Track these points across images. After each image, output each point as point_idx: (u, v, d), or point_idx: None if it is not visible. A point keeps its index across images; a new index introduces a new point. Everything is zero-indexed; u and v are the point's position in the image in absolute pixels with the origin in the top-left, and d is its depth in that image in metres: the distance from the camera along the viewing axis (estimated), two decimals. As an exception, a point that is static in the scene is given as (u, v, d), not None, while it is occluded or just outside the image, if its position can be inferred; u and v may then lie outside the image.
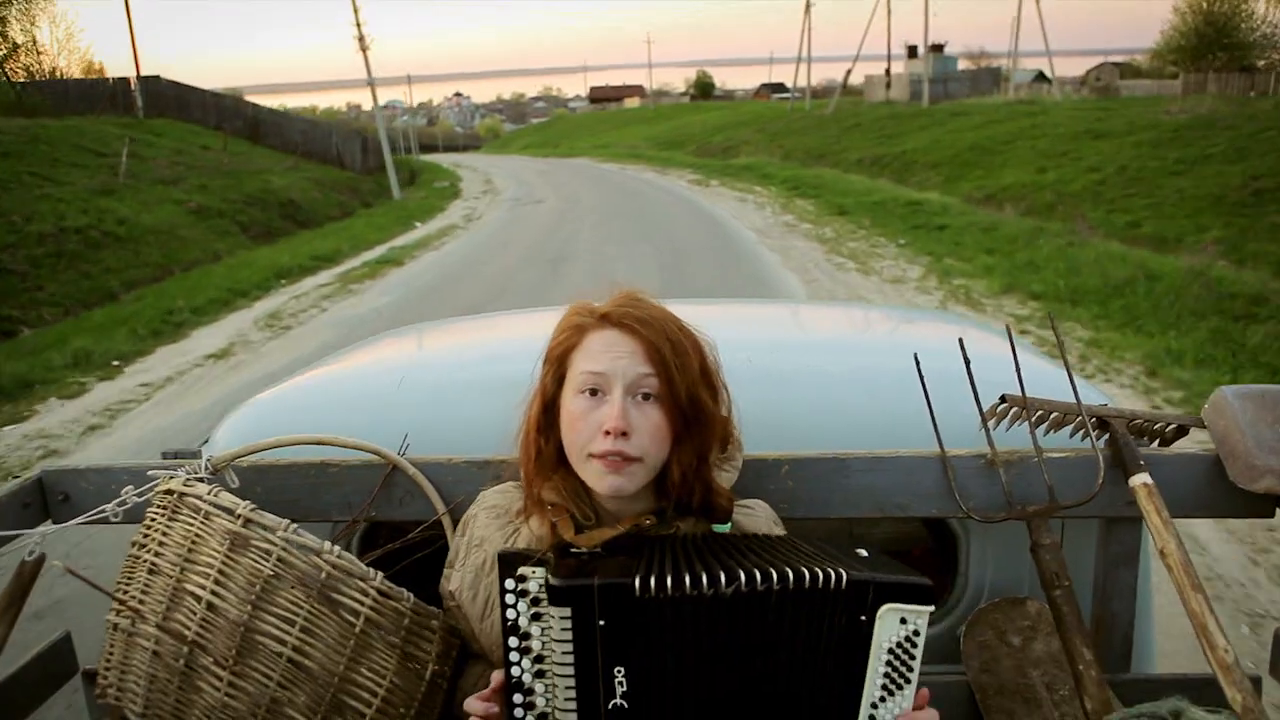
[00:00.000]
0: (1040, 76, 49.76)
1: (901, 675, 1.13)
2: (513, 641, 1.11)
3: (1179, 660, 2.77)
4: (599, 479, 1.25)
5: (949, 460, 1.58)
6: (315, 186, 23.19)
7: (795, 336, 2.35)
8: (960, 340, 1.59)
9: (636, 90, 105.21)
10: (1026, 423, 1.60)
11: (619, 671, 1.08)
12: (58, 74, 30.57)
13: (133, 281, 12.98)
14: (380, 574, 1.35)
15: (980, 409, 1.58)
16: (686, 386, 1.25)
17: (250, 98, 33.67)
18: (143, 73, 28.51)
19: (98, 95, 26.76)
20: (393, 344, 2.37)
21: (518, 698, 1.11)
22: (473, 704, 1.20)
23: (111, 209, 15.02)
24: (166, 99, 27.36)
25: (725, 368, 1.35)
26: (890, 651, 1.12)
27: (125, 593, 1.37)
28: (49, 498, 1.69)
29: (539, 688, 1.11)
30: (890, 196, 18.00)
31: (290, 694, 1.30)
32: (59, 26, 40.97)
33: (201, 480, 1.43)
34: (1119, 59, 57.33)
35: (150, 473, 1.49)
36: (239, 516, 1.33)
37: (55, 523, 1.64)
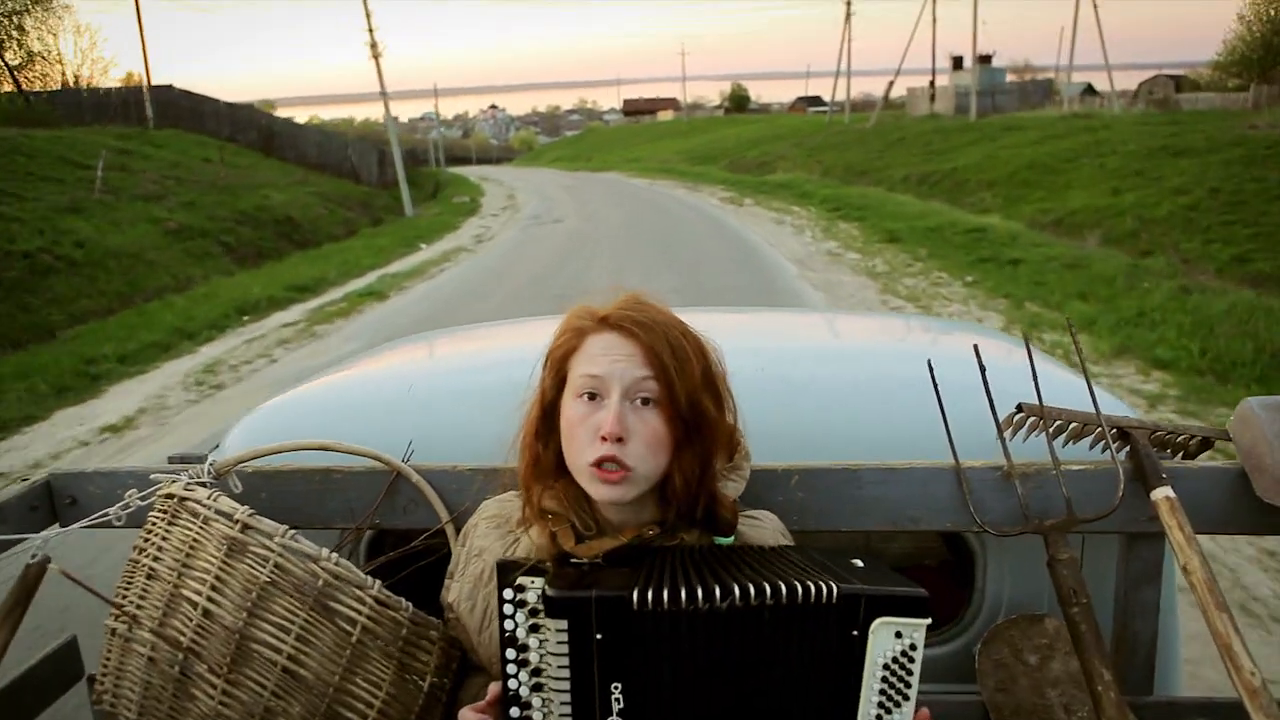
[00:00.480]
0: (1089, 90, 47.59)
1: (899, 691, 1.09)
2: (510, 653, 1.09)
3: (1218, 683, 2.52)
4: (595, 487, 1.22)
5: (964, 472, 1.55)
6: (321, 202, 21.76)
7: (808, 345, 2.27)
8: (976, 348, 1.57)
9: (671, 103, 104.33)
10: (1044, 433, 1.56)
11: (616, 687, 1.07)
12: (80, 83, 29.77)
13: (82, 314, 11.32)
14: (379, 582, 1.33)
15: (996, 419, 1.55)
16: (687, 392, 1.21)
17: (283, 110, 32.76)
18: (172, 83, 28.05)
19: (110, 105, 26.10)
20: (405, 350, 2.36)
21: (514, 711, 1.10)
22: (468, 715, 1.19)
23: (73, 229, 13.39)
24: (179, 109, 26.68)
25: (736, 376, 1.32)
26: (886, 667, 1.08)
27: (124, 598, 1.36)
28: (56, 501, 1.70)
29: (536, 701, 1.09)
30: (947, 221, 16.12)
31: (284, 704, 1.29)
32: (82, 36, 39.82)
33: (203, 485, 1.44)
34: (1172, 72, 54.90)
35: (154, 476, 1.49)
36: (237, 522, 1.32)
37: (62, 526, 1.64)
